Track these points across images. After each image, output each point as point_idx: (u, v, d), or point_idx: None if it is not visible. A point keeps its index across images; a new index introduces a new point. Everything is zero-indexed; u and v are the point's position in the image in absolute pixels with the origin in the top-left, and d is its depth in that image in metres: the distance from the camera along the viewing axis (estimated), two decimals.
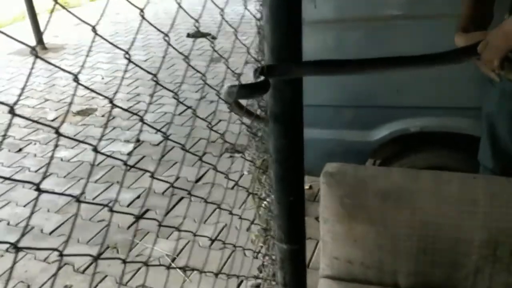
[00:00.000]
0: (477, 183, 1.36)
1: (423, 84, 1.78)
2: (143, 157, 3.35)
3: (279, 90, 1.19)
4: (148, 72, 0.81)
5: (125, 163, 0.74)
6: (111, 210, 0.70)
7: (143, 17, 0.75)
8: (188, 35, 5.99)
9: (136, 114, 1.67)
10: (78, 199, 0.61)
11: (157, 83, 0.81)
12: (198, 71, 1.10)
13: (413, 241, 1.34)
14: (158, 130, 1.04)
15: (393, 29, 1.72)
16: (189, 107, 1.73)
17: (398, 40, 1.70)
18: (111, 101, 0.66)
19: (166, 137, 0.95)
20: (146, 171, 0.85)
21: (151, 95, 4.40)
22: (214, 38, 6.49)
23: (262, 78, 1.12)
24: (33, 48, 0.50)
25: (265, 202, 1.69)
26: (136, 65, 0.79)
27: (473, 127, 1.77)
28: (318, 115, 1.86)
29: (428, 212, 1.33)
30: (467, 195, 1.31)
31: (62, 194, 0.79)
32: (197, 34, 5.95)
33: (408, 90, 1.80)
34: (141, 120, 0.79)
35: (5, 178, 0.57)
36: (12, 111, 0.49)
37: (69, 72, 0.60)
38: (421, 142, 1.93)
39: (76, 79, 0.59)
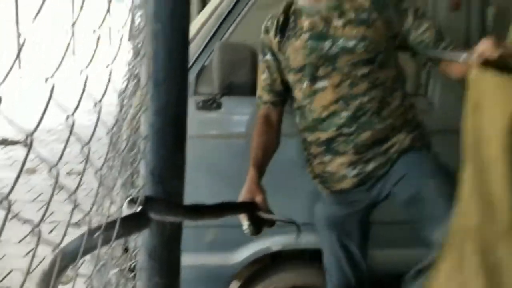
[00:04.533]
0: None
1: (282, 199, 1.75)
2: None
3: (156, 222, 0.98)
4: None
5: None
6: None
7: None
8: None
9: None
10: None
11: None
12: None
13: None
14: None
15: None
16: None
17: None
18: None
19: None
20: None
21: None
22: (27, 145, 5.84)
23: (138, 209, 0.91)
24: None
25: None
26: None
27: None
28: None
29: None
30: None
31: None
32: (4, 142, 5.25)
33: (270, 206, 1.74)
34: None
35: None
36: None
37: None
38: (284, 261, 1.84)
39: None
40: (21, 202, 3.62)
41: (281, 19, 1.49)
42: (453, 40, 1.43)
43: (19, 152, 5.09)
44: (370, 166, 1.45)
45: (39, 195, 3.86)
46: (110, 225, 0.80)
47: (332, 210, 1.57)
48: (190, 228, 1.80)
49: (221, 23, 1.67)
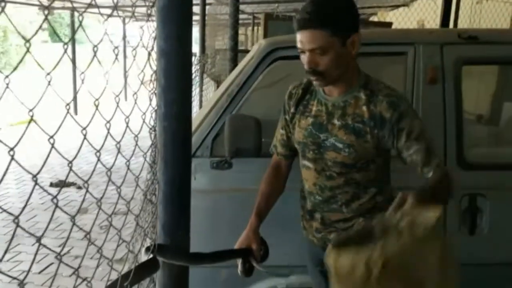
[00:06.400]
0: None
1: (287, 243, 2.04)
2: None
3: (167, 265, 1.31)
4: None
5: None
6: None
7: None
8: (51, 185, 5.81)
9: None
10: None
11: None
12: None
13: None
14: None
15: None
16: None
17: None
18: None
19: None
20: None
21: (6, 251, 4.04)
22: (79, 187, 6.30)
23: (150, 255, 1.25)
24: None
25: None
26: None
27: None
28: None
29: None
30: None
31: None
32: (61, 184, 5.81)
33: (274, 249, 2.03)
34: None
35: None
36: None
37: None
38: None
39: None
40: (71, 240, 4.06)
41: (300, 93, 1.65)
42: (439, 163, 1.47)
43: (72, 193, 5.64)
44: (331, 236, 1.65)
45: (87, 234, 4.29)
46: (136, 268, 1.15)
47: (312, 250, 1.79)
48: (206, 268, 2.13)
49: (232, 99, 2.05)
